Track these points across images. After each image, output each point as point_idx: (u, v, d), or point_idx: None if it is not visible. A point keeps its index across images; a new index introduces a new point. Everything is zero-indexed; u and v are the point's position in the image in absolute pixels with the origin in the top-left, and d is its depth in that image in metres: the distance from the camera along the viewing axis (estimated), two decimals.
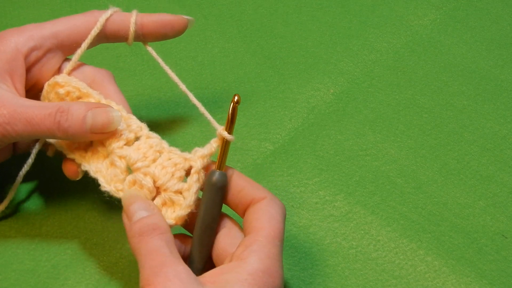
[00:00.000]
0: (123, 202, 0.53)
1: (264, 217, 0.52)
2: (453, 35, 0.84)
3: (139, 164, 0.54)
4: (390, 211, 0.65)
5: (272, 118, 0.73)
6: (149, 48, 0.61)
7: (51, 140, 0.58)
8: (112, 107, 0.55)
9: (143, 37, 0.61)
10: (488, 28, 0.85)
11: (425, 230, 0.63)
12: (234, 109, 0.53)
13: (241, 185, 0.54)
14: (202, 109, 0.57)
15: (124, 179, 0.55)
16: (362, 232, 0.63)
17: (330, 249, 0.62)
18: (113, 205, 0.64)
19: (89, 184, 0.61)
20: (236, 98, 0.53)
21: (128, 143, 0.56)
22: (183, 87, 0.59)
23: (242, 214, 0.54)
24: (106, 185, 0.55)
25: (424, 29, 0.84)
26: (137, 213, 0.51)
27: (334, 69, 0.78)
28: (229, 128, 0.54)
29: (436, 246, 0.62)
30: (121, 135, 0.55)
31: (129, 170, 0.55)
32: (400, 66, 0.79)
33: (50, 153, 0.61)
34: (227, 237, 0.54)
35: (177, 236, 0.56)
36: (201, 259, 0.54)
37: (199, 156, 0.54)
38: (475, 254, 0.62)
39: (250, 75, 0.77)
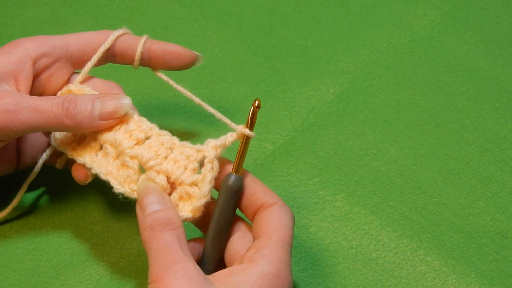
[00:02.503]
0: (138, 194, 0.53)
1: (276, 222, 0.52)
2: (453, 35, 0.84)
3: (151, 163, 0.54)
4: (390, 211, 0.65)
5: (272, 118, 0.73)
6: (159, 74, 0.62)
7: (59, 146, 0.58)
8: (120, 95, 0.56)
9: (149, 61, 0.61)
10: (488, 28, 0.85)
11: (425, 230, 0.63)
12: (254, 113, 0.54)
13: (254, 188, 0.54)
14: (219, 115, 0.57)
15: (138, 179, 0.55)
16: (362, 232, 0.63)
17: (330, 249, 0.62)
18: (113, 206, 0.64)
19: (89, 185, 0.61)
20: (256, 102, 0.53)
21: (139, 143, 0.55)
22: (197, 100, 0.59)
23: (251, 217, 0.54)
24: (120, 187, 0.55)
25: (424, 29, 0.84)
26: (150, 206, 0.51)
27: (334, 69, 0.78)
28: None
29: (436, 246, 0.62)
30: (131, 135, 0.55)
31: (142, 169, 0.55)
32: (400, 66, 0.79)
33: (59, 165, 0.61)
34: (241, 241, 0.54)
35: (191, 239, 0.56)
36: (213, 261, 0.54)
37: (212, 146, 0.54)
38: (475, 254, 0.62)
39: (250, 75, 0.77)
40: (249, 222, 0.55)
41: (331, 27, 0.84)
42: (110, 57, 0.61)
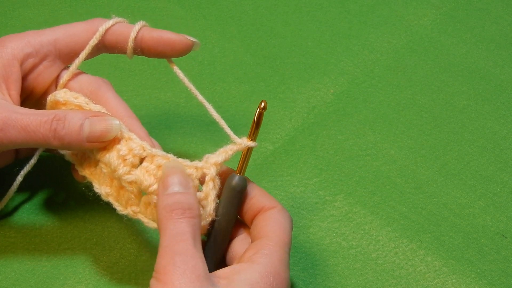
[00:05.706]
0: (163, 171, 0.51)
1: (276, 224, 0.52)
2: (453, 35, 0.84)
3: (153, 188, 0.52)
4: (390, 211, 0.65)
5: (272, 118, 0.73)
6: (175, 68, 0.59)
7: (63, 152, 0.58)
8: (111, 115, 0.54)
9: (141, 52, 0.59)
10: (488, 28, 0.85)
11: (425, 230, 0.63)
12: (260, 115, 0.53)
13: (253, 193, 0.54)
14: (222, 122, 0.55)
15: (139, 201, 0.54)
16: (362, 232, 0.63)
17: (330, 249, 0.62)
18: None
19: (89, 185, 0.61)
20: (263, 104, 0.53)
21: (134, 166, 0.54)
22: (208, 106, 0.57)
23: (250, 221, 0.55)
24: (123, 209, 0.55)
25: (424, 29, 0.84)
26: (173, 186, 0.50)
27: (334, 69, 0.78)
28: (254, 134, 0.53)
29: (436, 246, 0.62)
30: (125, 159, 0.54)
31: (142, 191, 0.54)
32: (400, 66, 0.79)
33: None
34: (244, 243, 0.55)
35: None
36: (213, 261, 0.54)
37: (213, 163, 0.53)
38: (475, 254, 0.62)
39: (250, 75, 0.77)
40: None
41: (331, 27, 0.84)
42: (102, 48, 0.59)
